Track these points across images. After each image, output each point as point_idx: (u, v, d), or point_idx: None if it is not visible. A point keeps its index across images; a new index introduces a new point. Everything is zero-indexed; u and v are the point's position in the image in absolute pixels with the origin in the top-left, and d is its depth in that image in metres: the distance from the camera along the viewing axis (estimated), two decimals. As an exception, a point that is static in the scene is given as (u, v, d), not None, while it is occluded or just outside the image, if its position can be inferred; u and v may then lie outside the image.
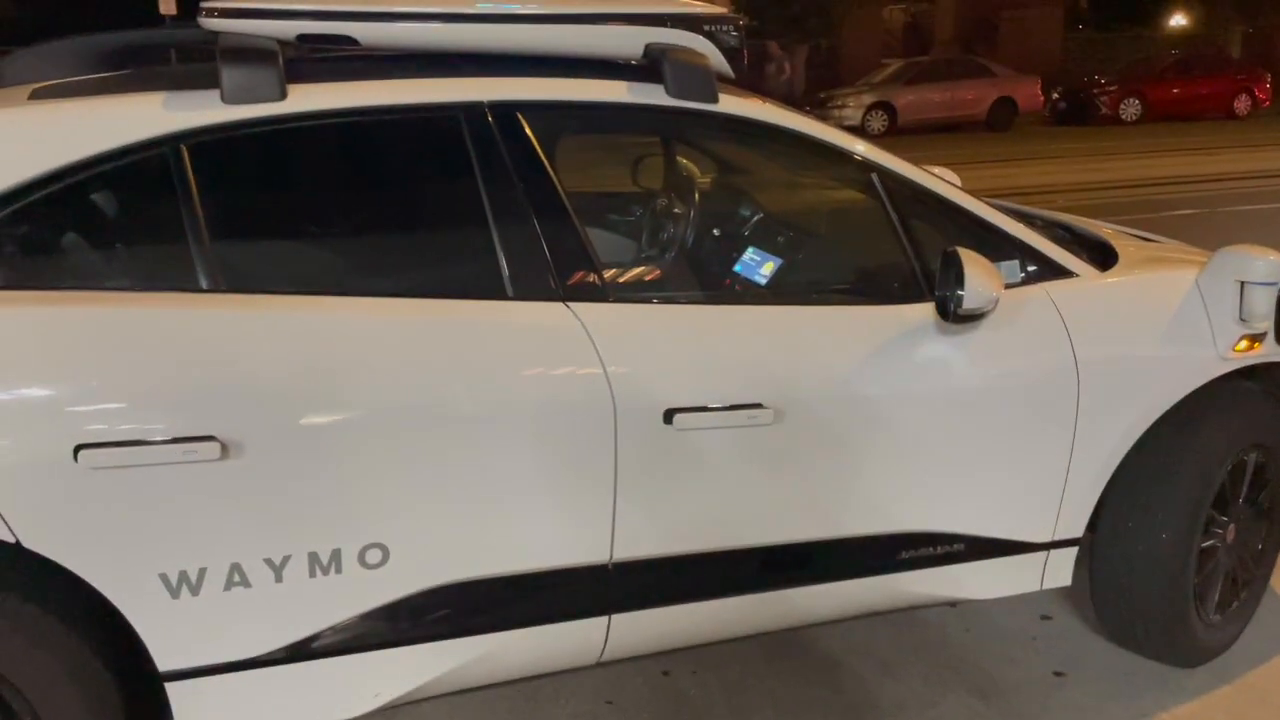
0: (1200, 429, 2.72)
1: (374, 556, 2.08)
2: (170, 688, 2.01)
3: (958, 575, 2.61)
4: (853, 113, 19.64)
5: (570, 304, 2.18)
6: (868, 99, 19.83)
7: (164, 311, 1.94)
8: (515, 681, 2.49)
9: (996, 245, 2.56)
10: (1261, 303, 2.60)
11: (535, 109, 2.25)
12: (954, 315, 2.28)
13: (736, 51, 2.45)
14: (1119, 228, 3.47)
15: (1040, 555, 2.67)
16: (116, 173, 2.00)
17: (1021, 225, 2.63)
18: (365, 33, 2.23)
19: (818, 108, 20.08)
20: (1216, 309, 2.63)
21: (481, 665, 2.25)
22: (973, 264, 2.29)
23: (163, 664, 1.99)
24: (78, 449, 1.81)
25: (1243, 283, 2.60)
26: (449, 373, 2.08)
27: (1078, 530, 2.68)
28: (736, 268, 2.58)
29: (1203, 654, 2.90)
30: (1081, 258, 2.72)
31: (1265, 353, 2.69)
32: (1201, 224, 9.90)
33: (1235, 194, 11.56)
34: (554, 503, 2.18)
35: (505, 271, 2.16)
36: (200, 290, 2.00)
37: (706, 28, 2.40)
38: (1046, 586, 2.72)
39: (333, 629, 2.09)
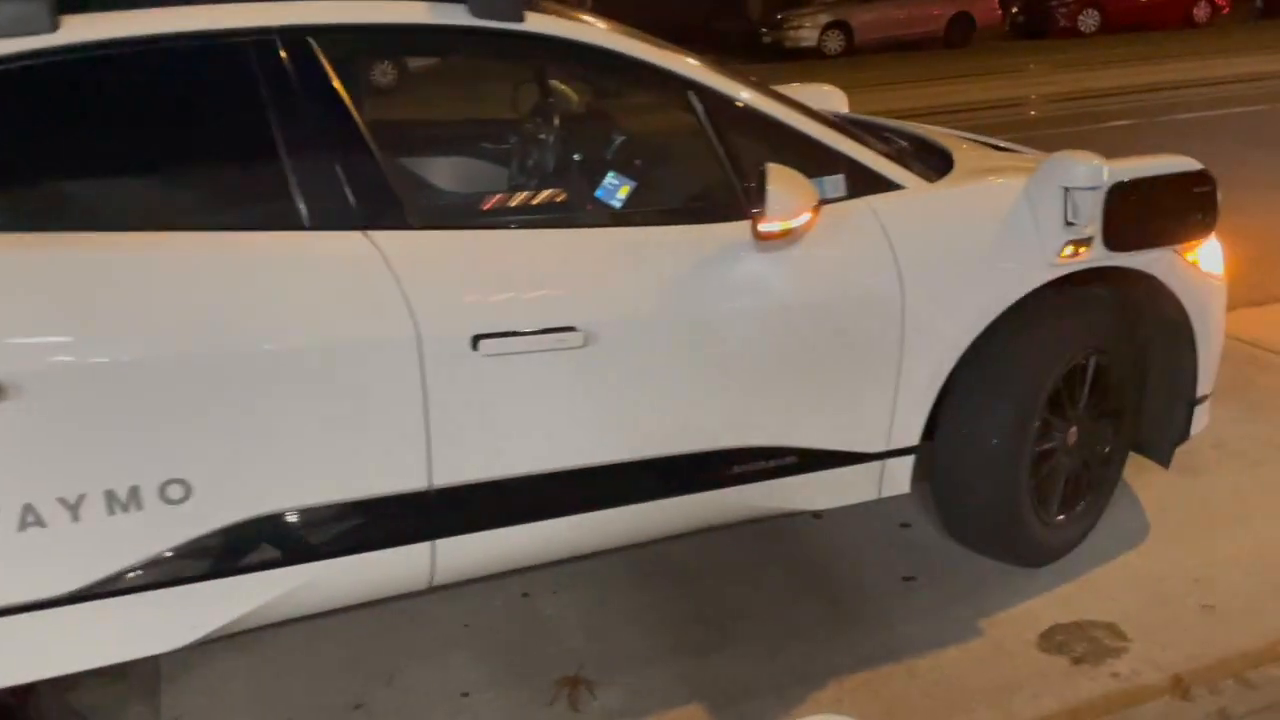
0: (1031, 335, 2.76)
1: (176, 492, 2.10)
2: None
3: (794, 487, 2.66)
4: (809, 33, 19.42)
5: (369, 233, 2.18)
6: (824, 18, 19.57)
7: None
8: (357, 607, 2.54)
9: (820, 160, 2.56)
10: (1085, 208, 2.61)
11: (328, 33, 2.22)
12: (759, 232, 2.29)
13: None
14: (979, 138, 3.48)
15: (876, 465, 2.72)
16: None
17: (849, 139, 2.63)
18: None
19: (774, 29, 19.83)
20: (1042, 216, 2.64)
21: (308, 593, 2.29)
22: (778, 180, 2.29)
23: None
24: None
25: (1066, 188, 2.61)
26: (240, 306, 2.09)
27: (912, 439, 2.72)
28: (584, 190, 2.57)
29: (1045, 554, 2.97)
30: (913, 169, 2.72)
31: (1094, 257, 2.72)
32: (1136, 134, 9.90)
33: (1176, 102, 11.54)
34: (363, 433, 2.21)
35: (300, 202, 2.16)
36: None
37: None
38: (885, 494, 2.77)
39: (141, 565, 2.11)
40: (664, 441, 2.47)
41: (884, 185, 2.62)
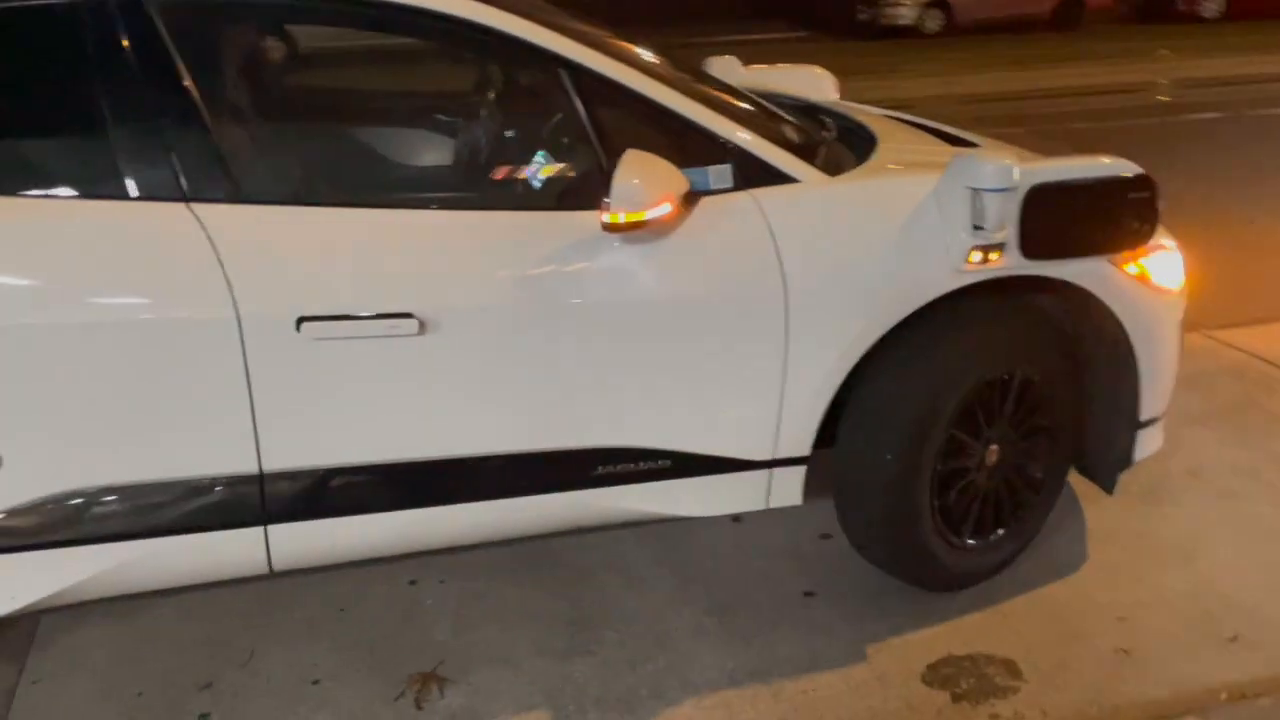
0: (936, 345, 2.56)
1: (-12, 459, 2.08)
2: None
3: (671, 492, 2.52)
4: (908, 11, 18.77)
5: (193, 205, 2.12)
6: (923, -3, 18.91)
7: None
8: (235, 583, 2.51)
9: (705, 149, 2.40)
10: (994, 211, 2.40)
11: (168, 4, 2.15)
12: (602, 223, 2.15)
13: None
14: (928, 124, 3.25)
15: (762, 474, 2.56)
16: None
17: (743, 127, 2.45)
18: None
19: (871, 6, 19.26)
20: (948, 218, 2.43)
21: (139, 570, 2.26)
22: (630, 168, 2.15)
23: None
24: None
25: (973, 189, 2.39)
26: (54, 276, 2.05)
27: (803, 449, 2.56)
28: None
29: (952, 579, 2.78)
30: (818, 161, 2.54)
31: (1008, 265, 2.50)
32: (1224, 127, 9.30)
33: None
34: (182, 412, 2.16)
35: (124, 171, 2.10)
36: None
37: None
38: (774, 505, 2.61)
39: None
40: (515, 438, 2.37)
41: (775, 177, 2.44)
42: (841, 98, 3.67)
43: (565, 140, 2.37)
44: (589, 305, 2.30)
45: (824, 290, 2.43)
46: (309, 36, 2.63)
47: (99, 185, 2.11)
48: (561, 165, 2.38)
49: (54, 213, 2.08)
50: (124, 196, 2.11)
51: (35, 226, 2.06)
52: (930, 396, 2.55)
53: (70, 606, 2.40)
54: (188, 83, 2.14)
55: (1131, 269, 2.68)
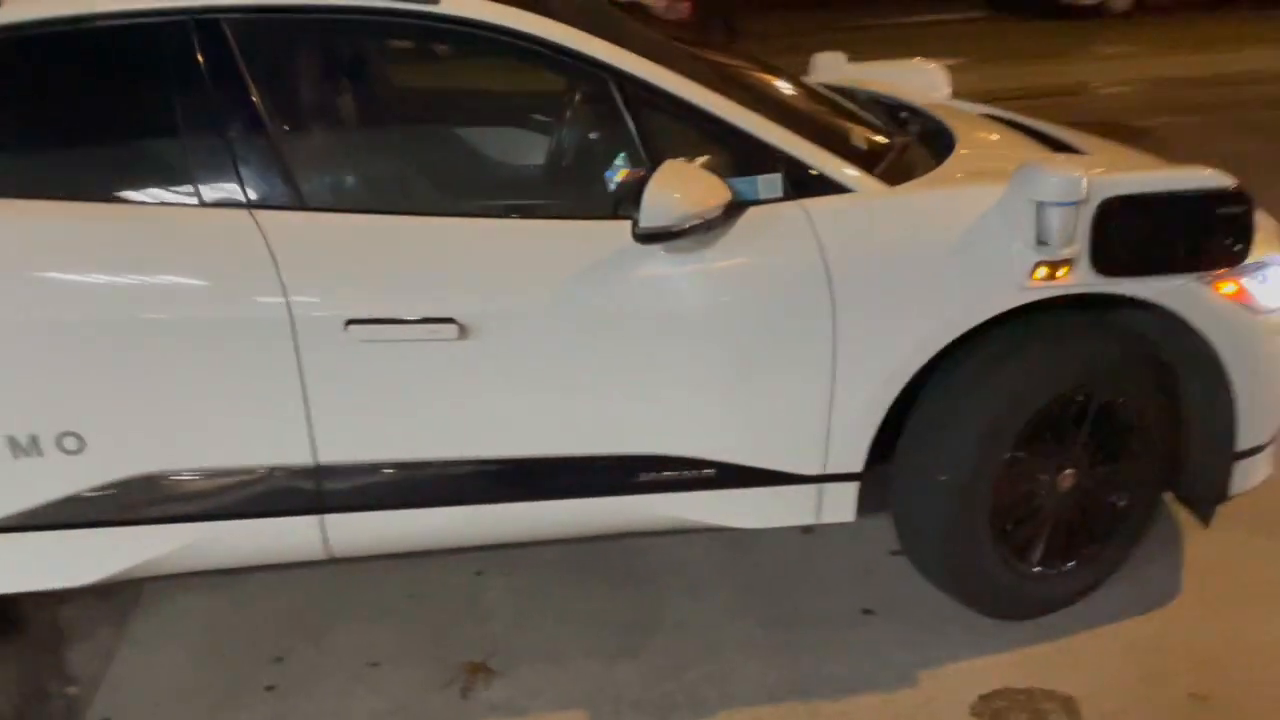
0: (1000, 363, 2.45)
1: (71, 444, 2.27)
2: None
3: (718, 501, 2.52)
4: (1097, -12, 17.75)
5: (255, 212, 2.25)
6: (1115, -28, 17.82)
7: None
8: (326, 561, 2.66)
9: (754, 157, 2.37)
10: (1058, 224, 2.27)
11: (239, 15, 2.28)
12: (635, 234, 2.16)
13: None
14: (1033, 124, 3.10)
15: (812, 488, 2.52)
16: None
17: (793, 134, 2.40)
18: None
19: (1059, -17, 18.27)
20: (1013, 232, 2.32)
21: (205, 550, 2.43)
22: (664, 179, 2.15)
23: None
24: None
25: (1038, 203, 2.28)
26: (133, 275, 2.21)
27: (855, 465, 2.50)
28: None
29: (1019, 607, 2.67)
30: (880, 167, 2.47)
31: (1078, 282, 2.36)
32: None
33: None
34: (243, 405, 2.30)
35: (194, 179, 2.25)
36: None
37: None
38: (825, 521, 2.57)
39: (46, 505, 2.31)
40: (558, 441, 2.41)
41: (828, 187, 2.39)
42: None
43: (612, 148, 2.38)
44: (631, 313, 2.32)
45: (874, 305, 2.36)
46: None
47: (171, 191, 2.26)
48: (607, 173, 2.39)
49: (129, 216, 2.25)
50: (196, 203, 2.25)
51: (115, 228, 2.23)
52: (996, 414, 2.44)
53: (175, 576, 2.61)
54: (254, 93, 2.26)
55: (1229, 288, 2.48)
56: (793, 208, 2.36)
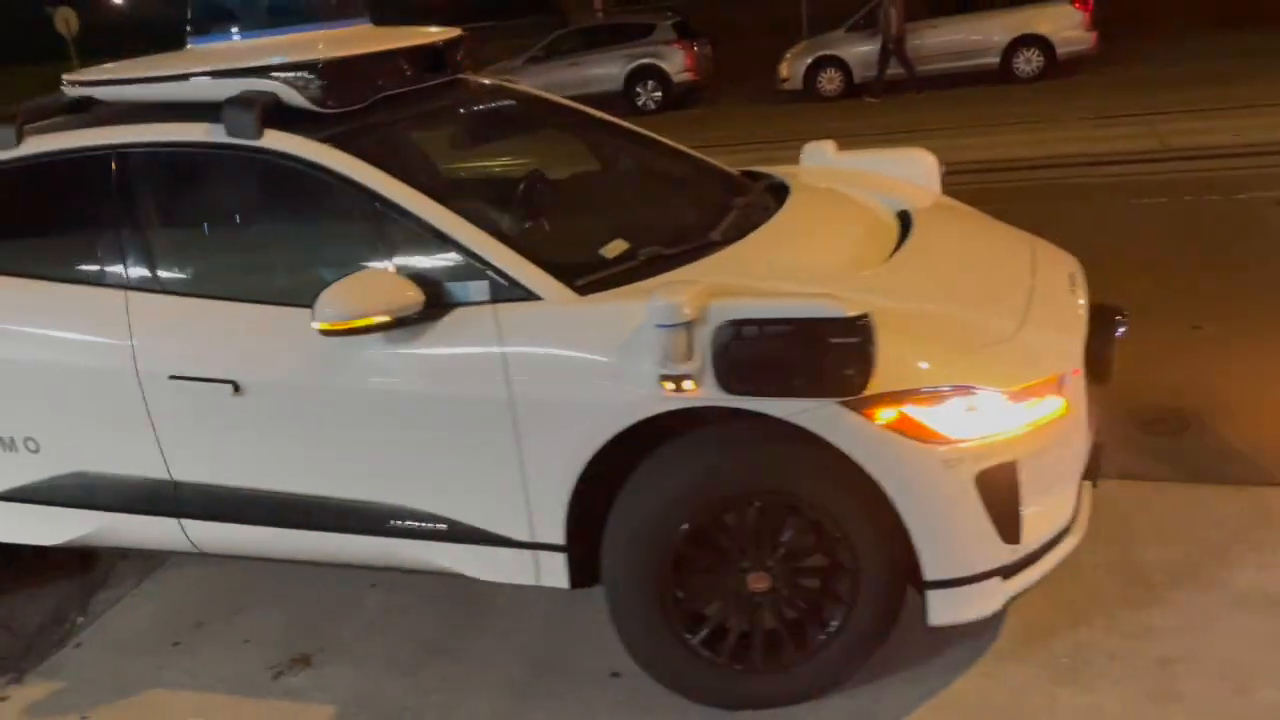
0: (654, 466, 2.66)
1: (31, 445, 3.28)
2: None
3: (455, 552, 2.95)
4: None
5: (129, 292, 3.10)
6: None
7: None
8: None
9: (470, 267, 2.78)
10: (666, 344, 2.46)
11: (134, 149, 3.14)
12: (318, 328, 2.69)
13: (319, 87, 2.99)
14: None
15: (528, 553, 2.86)
16: None
17: (504, 247, 2.77)
18: (100, 92, 3.35)
19: None
20: (647, 348, 2.54)
21: (112, 533, 3.32)
22: (343, 284, 2.67)
23: None
24: None
25: (655, 324, 2.48)
26: (46, 333, 3.16)
27: (558, 538, 2.81)
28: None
29: (724, 698, 2.81)
30: (585, 277, 2.77)
31: (708, 396, 2.50)
32: None
33: None
34: (118, 428, 3.15)
35: (100, 265, 3.15)
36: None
37: (277, 75, 3.01)
38: (545, 584, 2.89)
39: (26, 486, 3.34)
40: (316, 484, 3.00)
41: (523, 294, 2.74)
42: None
43: (361, 253, 2.90)
44: (359, 388, 2.84)
45: (545, 401, 2.68)
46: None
47: (88, 274, 3.17)
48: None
49: (60, 293, 3.19)
50: (99, 284, 3.15)
51: (46, 298, 3.19)
52: (653, 513, 2.65)
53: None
54: (140, 205, 3.11)
55: (886, 414, 2.48)
56: (487, 310, 2.75)
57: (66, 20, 21.09)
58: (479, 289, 2.78)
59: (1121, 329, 3.10)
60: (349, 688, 3.12)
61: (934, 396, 2.49)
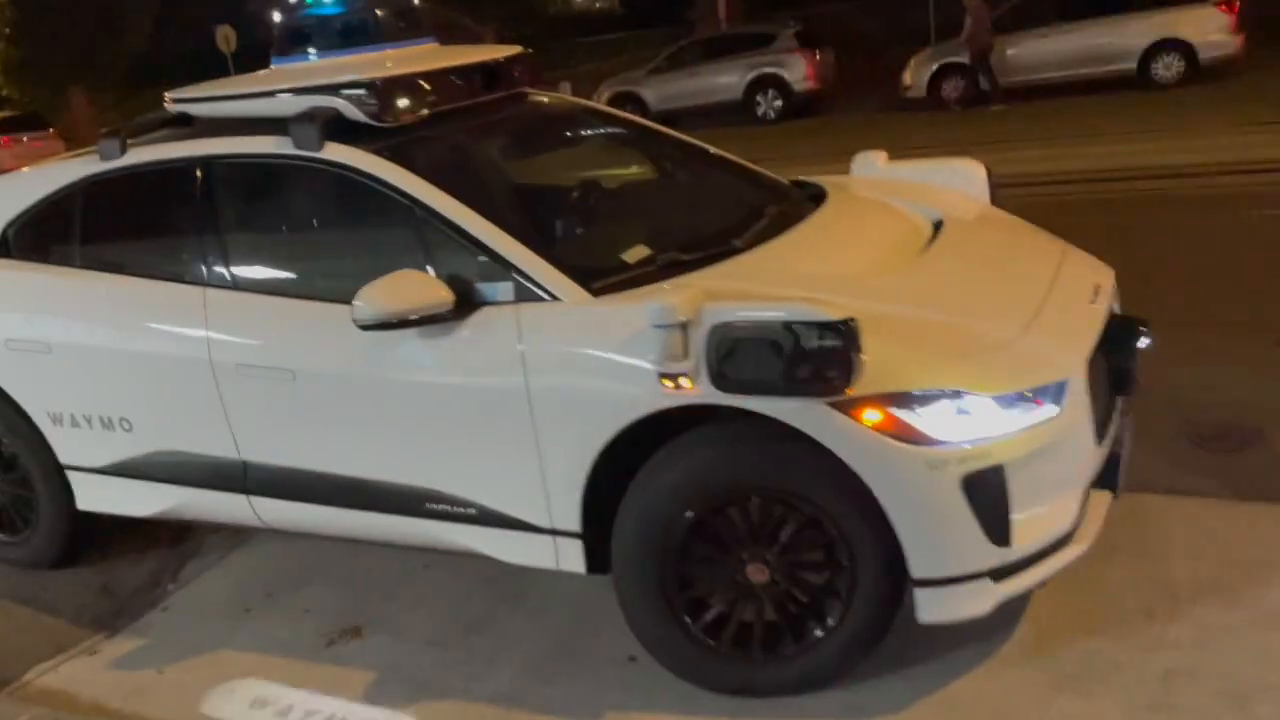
0: (659, 459, 2.81)
1: (125, 425, 3.66)
2: (75, 476, 3.87)
3: (485, 536, 3.17)
4: None
5: (206, 289, 3.44)
6: None
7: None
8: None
9: (496, 270, 3.00)
10: (666, 344, 2.61)
11: (217, 160, 3.48)
12: (356, 323, 2.94)
13: (375, 103, 3.27)
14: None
15: (548, 538, 3.06)
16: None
17: (529, 251, 2.98)
18: (194, 109, 3.72)
19: None
20: (649, 347, 2.69)
21: (191, 507, 3.68)
22: (379, 283, 2.91)
23: (64, 459, 3.86)
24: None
25: (653, 325, 2.64)
26: (137, 324, 3.53)
27: (574, 525, 2.98)
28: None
29: (730, 685, 2.93)
30: (602, 281, 2.94)
31: (704, 394, 2.64)
32: None
33: None
34: (195, 411, 3.49)
35: (184, 264, 3.50)
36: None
37: (341, 93, 3.31)
38: (564, 569, 3.08)
39: (123, 462, 3.72)
40: (362, 466, 3.26)
41: (543, 295, 2.94)
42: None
43: (404, 257, 3.13)
44: (396, 379, 3.10)
45: (558, 395, 2.87)
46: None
47: (181, 273, 3.53)
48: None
49: (144, 286, 3.56)
50: (183, 280, 3.50)
51: (129, 292, 3.55)
52: (654, 505, 2.81)
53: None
54: (221, 210, 3.45)
55: (872, 415, 2.57)
56: (509, 310, 2.96)
57: (227, 37, 22.42)
58: (505, 290, 2.99)
59: (1144, 341, 3.10)
60: (388, 657, 3.37)
61: (921, 399, 2.58)
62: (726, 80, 17.55)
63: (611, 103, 18.42)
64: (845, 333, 2.48)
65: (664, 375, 2.67)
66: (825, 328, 2.49)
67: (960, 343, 2.75)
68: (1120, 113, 12.68)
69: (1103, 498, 3.03)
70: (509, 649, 3.33)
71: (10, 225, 3.92)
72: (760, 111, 17.36)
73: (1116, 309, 3.32)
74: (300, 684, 3.30)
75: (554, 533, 3.04)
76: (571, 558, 3.05)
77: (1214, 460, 3.95)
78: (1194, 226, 7.08)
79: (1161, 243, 6.87)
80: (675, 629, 2.91)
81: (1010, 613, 3.13)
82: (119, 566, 4.20)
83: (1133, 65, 14.80)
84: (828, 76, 17.66)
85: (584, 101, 4.38)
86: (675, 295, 2.62)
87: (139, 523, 3.89)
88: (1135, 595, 3.18)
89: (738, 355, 2.58)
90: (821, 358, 2.50)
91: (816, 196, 3.75)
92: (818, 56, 17.42)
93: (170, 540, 4.33)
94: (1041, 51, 15.14)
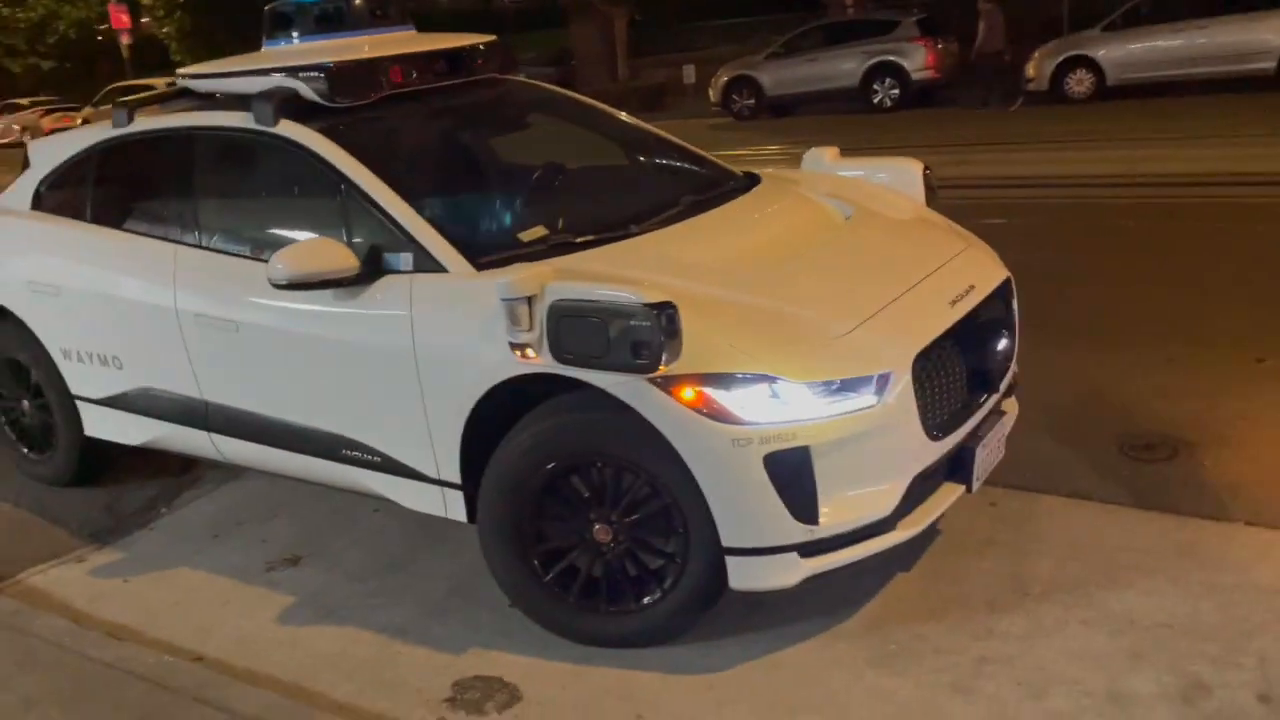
0: (524, 423, 3.08)
1: (117, 363, 4.15)
2: (82, 406, 4.40)
3: (389, 482, 3.49)
4: None
5: (178, 246, 3.88)
6: None
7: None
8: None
9: (401, 240, 3.31)
10: (509, 315, 2.88)
11: (198, 131, 3.91)
12: (270, 281, 3.29)
13: (326, 85, 3.63)
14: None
15: (436, 488, 3.37)
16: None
17: (427, 225, 3.28)
18: (194, 84, 4.17)
19: None
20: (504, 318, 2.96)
21: (169, 440, 4.14)
22: (292, 248, 3.27)
23: (74, 390, 4.39)
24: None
25: (502, 298, 2.90)
26: (126, 276, 4.00)
27: (455, 476, 3.29)
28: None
29: (577, 634, 3.18)
30: (490, 255, 3.22)
31: (545, 364, 2.89)
32: None
33: None
34: (162, 355, 3.94)
35: (163, 223, 3.95)
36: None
37: (299, 74, 3.68)
38: (451, 517, 3.39)
39: (117, 395, 4.22)
40: (290, 412, 3.64)
41: (434, 266, 3.24)
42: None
43: (327, 225, 3.48)
44: (308, 333, 3.45)
45: (436, 357, 3.17)
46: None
47: (163, 230, 3.98)
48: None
49: (142, 241, 4.02)
50: (164, 239, 3.95)
51: (125, 248, 4.02)
52: (514, 463, 3.09)
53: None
54: (200, 176, 3.87)
55: (688, 393, 2.78)
56: (406, 279, 3.27)
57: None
58: (405, 260, 3.30)
59: (1003, 342, 3.20)
60: (312, 586, 3.75)
61: (734, 381, 2.77)
62: (844, 67, 17.42)
63: (727, 86, 18.59)
64: (659, 314, 2.69)
65: (513, 344, 2.94)
66: (640, 310, 2.70)
67: (787, 332, 2.92)
68: (1253, 113, 12.11)
69: (952, 490, 3.15)
70: (414, 587, 3.67)
71: (43, 182, 4.46)
72: (876, 99, 17.20)
73: (1004, 312, 3.42)
74: (229, 601, 3.72)
75: (440, 483, 3.35)
76: (455, 507, 3.35)
77: (1133, 469, 3.97)
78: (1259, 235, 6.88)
79: (1214, 251, 6.72)
80: (530, 578, 3.18)
81: (862, 592, 3.29)
82: (126, 489, 4.71)
83: (1272, 65, 14.09)
84: (948, 66, 17.34)
85: (554, 89, 4.64)
86: (522, 272, 2.88)
87: (151, 453, 4.38)
88: (987, 588, 3.28)
89: (569, 330, 2.82)
90: (636, 336, 2.72)
91: (745, 188, 3.93)
92: (940, 45, 17.13)
93: (174, 470, 4.82)
94: (1168, 49, 14.56)
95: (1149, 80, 14.80)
